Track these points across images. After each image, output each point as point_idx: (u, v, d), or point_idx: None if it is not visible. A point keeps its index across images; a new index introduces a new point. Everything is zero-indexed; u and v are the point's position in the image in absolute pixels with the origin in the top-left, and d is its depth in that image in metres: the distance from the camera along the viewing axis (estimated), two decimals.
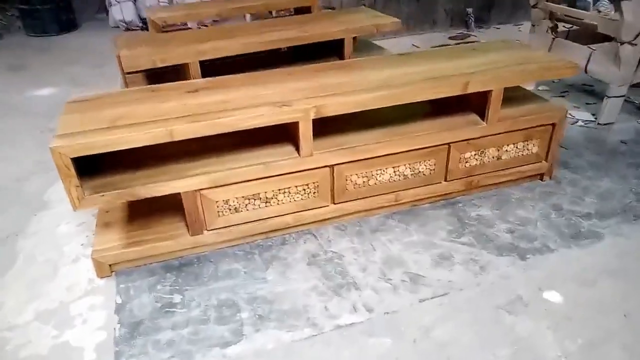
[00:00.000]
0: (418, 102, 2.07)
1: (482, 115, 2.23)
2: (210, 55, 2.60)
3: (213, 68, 2.67)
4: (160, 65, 2.54)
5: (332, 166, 2.08)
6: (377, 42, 3.46)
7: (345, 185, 2.16)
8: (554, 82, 3.77)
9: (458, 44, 4.82)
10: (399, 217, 2.29)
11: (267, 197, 2.05)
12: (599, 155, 2.77)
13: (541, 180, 2.54)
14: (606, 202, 2.35)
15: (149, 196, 1.86)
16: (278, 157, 2.00)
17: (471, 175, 2.36)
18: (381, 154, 2.12)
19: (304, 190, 2.09)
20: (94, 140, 1.69)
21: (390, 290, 1.88)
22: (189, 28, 4.85)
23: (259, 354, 1.63)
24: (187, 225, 2.00)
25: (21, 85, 4.34)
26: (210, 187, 1.93)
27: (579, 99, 3.52)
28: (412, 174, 2.24)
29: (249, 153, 2.03)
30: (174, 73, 2.70)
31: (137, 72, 2.86)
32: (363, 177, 2.17)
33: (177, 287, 1.92)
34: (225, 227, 2.05)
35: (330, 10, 4.44)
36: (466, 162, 2.31)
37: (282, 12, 4.67)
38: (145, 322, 1.76)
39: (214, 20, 5.36)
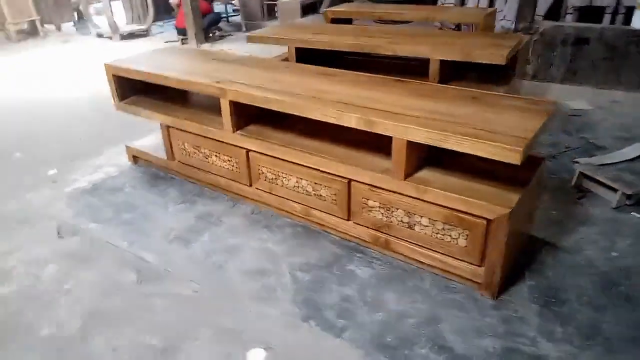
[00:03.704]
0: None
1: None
2: (302, 45, 3.02)
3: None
4: (268, 43, 3.17)
5: (247, 150, 2.28)
6: None
7: (259, 174, 2.31)
8: None
9: None
10: (300, 230, 2.24)
11: (205, 154, 2.49)
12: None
13: (479, 292, 1.83)
14: None
15: (141, 117, 2.66)
16: (216, 125, 2.38)
17: (378, 230, 2.00)
18: (282, 158, 2.15)
19: (229, 161, 2.40)
20: (121, 68, 2.60)
21: (187, 258, 2.08)
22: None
23: (86, 231, 2.27)
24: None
25: None
26: (173, 127, 2.55)
27: None
28: (314, 194, 2.14)
29: (211, 116, 2.48)
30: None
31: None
32: (272, 173, 2.25)
33: (134, 186, 2.69)
34: (184, 164, 2.63)
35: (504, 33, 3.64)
36: (370, 211, 1.99)
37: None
38: (99, 191, 2.65)
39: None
